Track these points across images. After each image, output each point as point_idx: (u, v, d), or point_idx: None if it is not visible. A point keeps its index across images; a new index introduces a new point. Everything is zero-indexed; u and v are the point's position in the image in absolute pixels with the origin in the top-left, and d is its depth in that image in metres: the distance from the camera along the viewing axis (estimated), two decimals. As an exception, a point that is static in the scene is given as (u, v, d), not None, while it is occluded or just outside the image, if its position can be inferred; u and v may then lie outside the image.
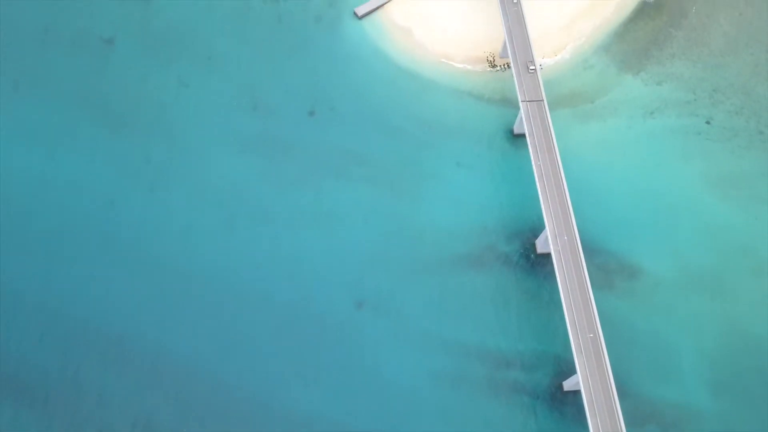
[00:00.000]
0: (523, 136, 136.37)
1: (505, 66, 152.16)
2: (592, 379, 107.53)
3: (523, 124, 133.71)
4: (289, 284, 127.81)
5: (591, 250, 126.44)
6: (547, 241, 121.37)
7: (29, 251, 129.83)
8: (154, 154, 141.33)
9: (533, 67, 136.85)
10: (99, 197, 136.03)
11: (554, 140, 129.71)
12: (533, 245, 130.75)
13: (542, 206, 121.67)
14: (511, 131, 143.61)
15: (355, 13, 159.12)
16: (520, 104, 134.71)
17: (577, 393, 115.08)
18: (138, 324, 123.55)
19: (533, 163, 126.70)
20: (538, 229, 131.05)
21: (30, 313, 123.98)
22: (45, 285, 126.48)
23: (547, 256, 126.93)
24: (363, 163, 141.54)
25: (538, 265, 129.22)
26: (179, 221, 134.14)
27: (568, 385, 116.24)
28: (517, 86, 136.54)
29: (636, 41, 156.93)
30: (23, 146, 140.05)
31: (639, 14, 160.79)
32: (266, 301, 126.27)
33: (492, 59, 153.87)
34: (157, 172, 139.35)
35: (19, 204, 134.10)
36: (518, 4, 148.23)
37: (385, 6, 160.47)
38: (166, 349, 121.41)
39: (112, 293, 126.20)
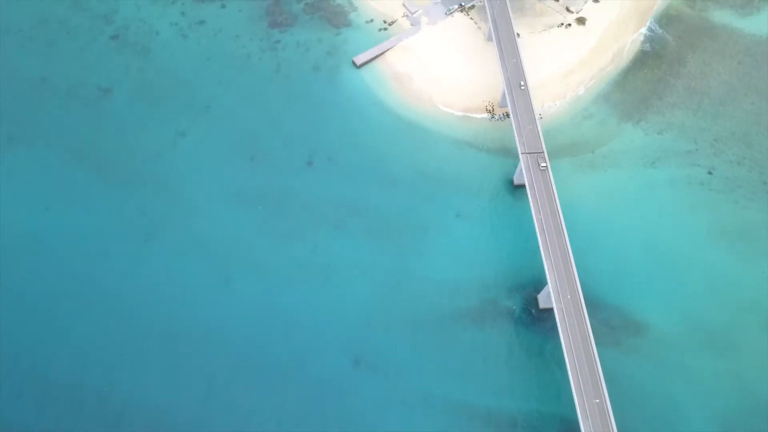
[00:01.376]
0: (523, 186, 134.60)
1: (505, 115, 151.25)
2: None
3: (524, 175, 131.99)
4: (284, 341, 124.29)
5: (595, 305, 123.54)
6: (550, 297, 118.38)
7: (16, 305, 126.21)
8: (149, 206, 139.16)
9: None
10: (92, 250, 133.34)
11: (555, 193, 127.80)
12: (535, 300, 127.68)
13: (544, 263, 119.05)
14: (511, 182, 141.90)
15: (353, 62, 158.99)
16: (520, 156, 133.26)
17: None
18: (124, 381, 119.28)
19: (534, 217, 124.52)
20: (540, 282, 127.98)
21: (9, 368, 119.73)
22: (28, 339, 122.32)
23: (550, 311, 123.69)
24: (361, 215, 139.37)
25: (540, 320, 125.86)
26: (173, 275, 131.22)
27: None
28: (516, 138, 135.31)
29: (635, 90, 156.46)
30: (17, 199, 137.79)
31: (637, 63, 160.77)
32: (260, 359, 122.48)
33: (491, 108, 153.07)
34: (151, 224, 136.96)
35: (10, 257, 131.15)
36: (517, 56, 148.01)
37: (383, 55, 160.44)
38: (152, 408, 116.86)
39: (98, 348, 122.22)
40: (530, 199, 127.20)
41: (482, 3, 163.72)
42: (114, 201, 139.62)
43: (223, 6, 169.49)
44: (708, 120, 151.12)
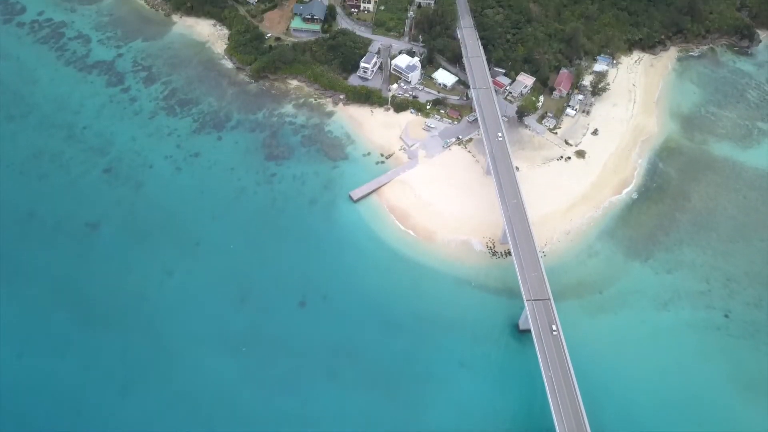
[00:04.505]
0: (529, 331, 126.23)
1: (506, 253, 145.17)
2: None
3: (529, 322, 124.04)
4: None
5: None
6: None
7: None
8: (130, 351, 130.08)
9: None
10: (64, 404, 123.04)
11: (565, 348, 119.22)
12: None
13: (556, 427, 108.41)
14: (517, 326, 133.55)
15: (350, 197, 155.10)
16: (525, 303, 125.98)
17: None
18: None
19: (543, 374, 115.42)
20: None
21: None
22: None
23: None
24: (356, 362, 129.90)
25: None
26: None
27: None
28: (521, 284, 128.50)
29: (640, 226, 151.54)
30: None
31: (641, 197, 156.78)
32: None
33: (492, 245, 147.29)
34: (130, 373, 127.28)
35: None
36: (518, 195, 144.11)
37: (380, 189, 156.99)
38: None
39: None
40: (538, 353, 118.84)
41: (480, 136, 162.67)
42: (93, 345, 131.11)
43: (220, 138, 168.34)
44: (719, 258, 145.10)
